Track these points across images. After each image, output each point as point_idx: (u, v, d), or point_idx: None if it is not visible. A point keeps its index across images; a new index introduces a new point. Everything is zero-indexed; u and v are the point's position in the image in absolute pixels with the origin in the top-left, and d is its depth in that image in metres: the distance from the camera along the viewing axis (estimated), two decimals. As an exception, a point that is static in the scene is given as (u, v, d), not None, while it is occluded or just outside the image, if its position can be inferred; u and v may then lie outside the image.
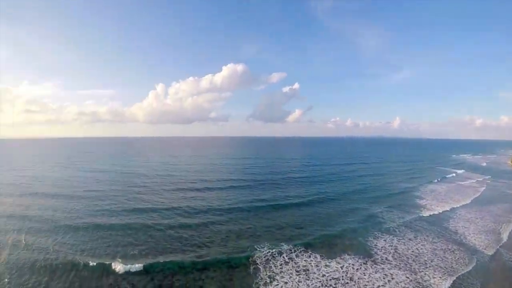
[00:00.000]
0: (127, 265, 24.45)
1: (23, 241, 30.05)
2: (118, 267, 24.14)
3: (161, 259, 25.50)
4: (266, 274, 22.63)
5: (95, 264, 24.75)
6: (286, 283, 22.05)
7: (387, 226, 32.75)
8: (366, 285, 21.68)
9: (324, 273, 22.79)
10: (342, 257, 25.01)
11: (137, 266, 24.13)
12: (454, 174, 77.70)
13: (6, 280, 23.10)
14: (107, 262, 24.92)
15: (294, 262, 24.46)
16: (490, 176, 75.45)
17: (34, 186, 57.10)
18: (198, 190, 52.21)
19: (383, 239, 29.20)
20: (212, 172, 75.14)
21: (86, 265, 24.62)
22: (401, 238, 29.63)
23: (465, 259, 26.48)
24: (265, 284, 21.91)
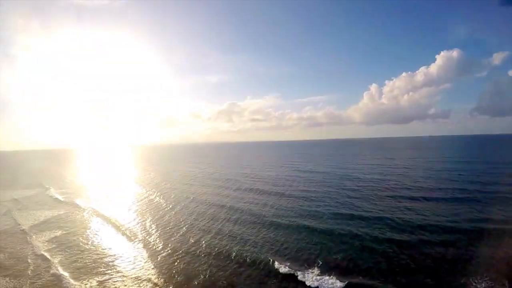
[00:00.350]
0: (322, 275, 22.73)
1: (231, 228, 35.11)
2: (312, 279, 22.56)
3: (360, 278, 22.84)
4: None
5: (287, 268, 24.19)
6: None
7: None
8: None
9: None
10: None
11: (333, 282, 21.98)
12: None
13: (204, 258, 27.02)
14: (300, 270, 23.96)
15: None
16: None
17: (250, 182, 67.95)
18: (413, 199, 47.19)
19: None
20: (430, 178, 67.36)
21: (277, 266, 24.60)
22: None
23: None
24: None
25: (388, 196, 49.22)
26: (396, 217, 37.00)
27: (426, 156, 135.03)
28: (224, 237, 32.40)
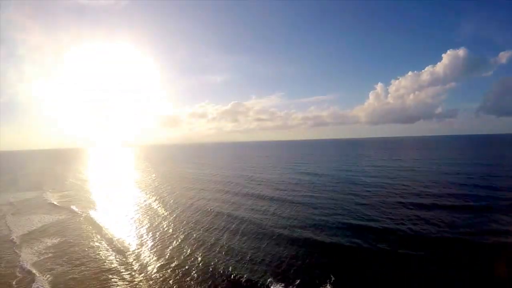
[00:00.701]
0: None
1: (229, 240, 33.38)
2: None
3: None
4: None
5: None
6: None
7: None
8: None
9: None
10: None
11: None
12: None
13: (198, 273, 25.06)
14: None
15: None
16: None
17: (251, 186, 66.30)
18: (423, 207, 44.86)
19: None
20: (439, 183, 64.65)
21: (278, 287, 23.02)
22: None
23: None
24: None
25: (397, 203, 47.46)
26: (407, 228, 35.28)
27: (432, 157, 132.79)
28: (221, 250, 30.95)
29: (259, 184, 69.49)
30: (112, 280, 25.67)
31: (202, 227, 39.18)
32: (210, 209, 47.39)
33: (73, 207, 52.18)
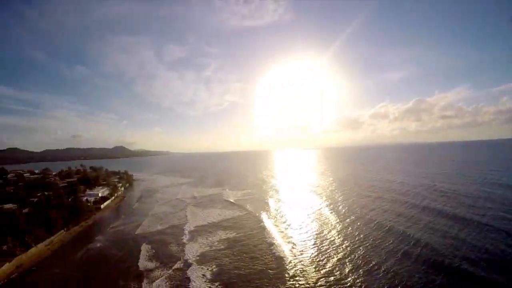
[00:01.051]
0: None
1: (396, 267, 29.63)
2: None
3: None
4: None
5: None
6: None
7: None
8: None
9: None
10: None
11: None
12: None
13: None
14: None
15: None
16: None
17: (432, 197, 57.86)
18: None
19: None
20: None
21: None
22: None
23: None
24: None
25: None
26: None
27: None
28: (386, 274, 27.87)
29: (441, 196, 59.16)
30: (268, 285, 26.99)
31: (371, 243, 36.01)
32: (383, 223, 43.29)
33: (248, 206, 57.86)
